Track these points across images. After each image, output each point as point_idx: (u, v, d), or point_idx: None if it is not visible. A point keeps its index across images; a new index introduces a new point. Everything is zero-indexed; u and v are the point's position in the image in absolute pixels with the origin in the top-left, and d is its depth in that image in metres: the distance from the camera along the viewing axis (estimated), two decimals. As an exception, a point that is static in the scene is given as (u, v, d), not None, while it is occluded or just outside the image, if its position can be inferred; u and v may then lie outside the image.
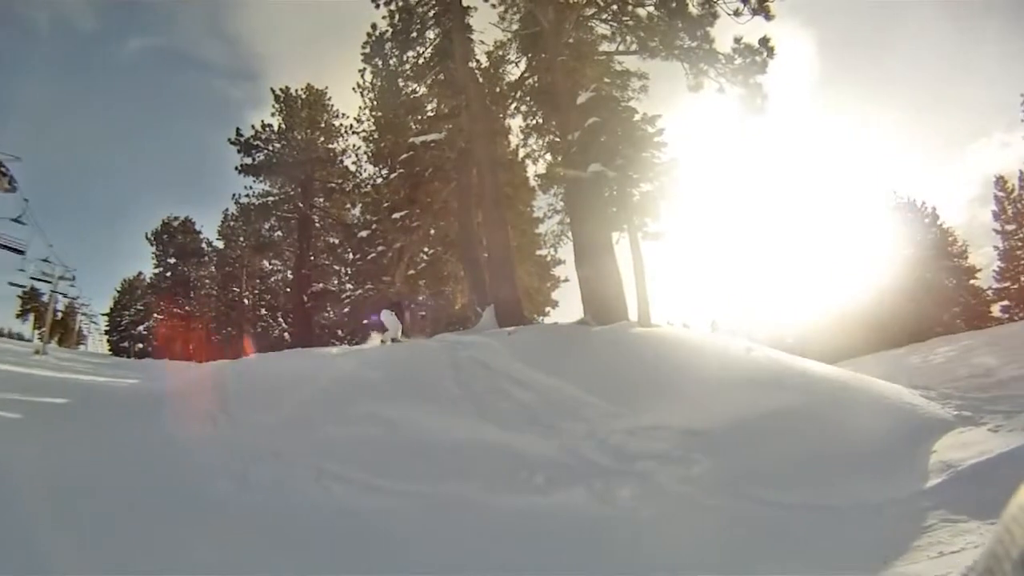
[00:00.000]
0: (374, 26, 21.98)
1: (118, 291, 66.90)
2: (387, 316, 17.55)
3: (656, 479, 6.64)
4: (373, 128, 33.04)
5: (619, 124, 16.51)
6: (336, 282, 45.90)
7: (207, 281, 58.67)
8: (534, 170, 27.21)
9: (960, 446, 6.71)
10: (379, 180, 33.66)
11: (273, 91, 44.59)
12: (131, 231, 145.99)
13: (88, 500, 5.99)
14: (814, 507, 5.67)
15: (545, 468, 7.10)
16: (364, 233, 32.45)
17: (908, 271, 38.44)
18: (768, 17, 17.13)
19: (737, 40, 17.56)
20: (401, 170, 24.60)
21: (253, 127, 43.08)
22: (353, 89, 29.23)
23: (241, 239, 49.54)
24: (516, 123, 25.41)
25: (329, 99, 45.57)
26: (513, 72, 24.12)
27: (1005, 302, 41.37)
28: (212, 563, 4.90)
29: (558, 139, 21.20)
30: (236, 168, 42.39)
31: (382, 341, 16.99)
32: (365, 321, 19.57)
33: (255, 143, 42.66)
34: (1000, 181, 42.48)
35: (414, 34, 21.97)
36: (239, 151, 42.26)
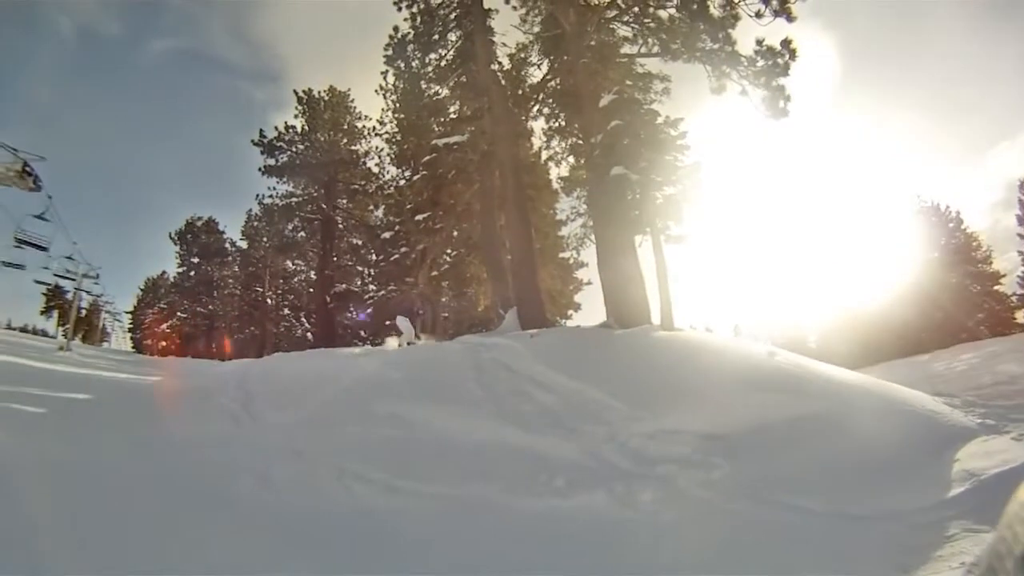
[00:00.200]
0: (396, 28, 22.13)
1: (142, 289, 67.92)
2: (402, 321, 18.89)
3: (677, 483, 6.63)
4: (396, 130, 33.08)
5: (642, 127, 16.47)
6: (359, 283, 46.09)
7: (230, 281, 59.13)
8: (557, 172, 27.24)
9: (984, 455, 6.65)
10: (402, 182, 33.69)
11: (296, 93, 44.99)
12: (155, 231, 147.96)
13: (109, 497, 6.04)
14: (835, 514, 5.63)
15: (566, 471, 7.11)
16: (387, 234, 32.59)
17: (932, 276, 38.00)
18: (790, 19, 17.02)
19: (759, 42, 17.45)
20: (424, 172, 24.66)
21: (276, 129, 43.60)
22: (376, 91, 29.36)
23: (264, 239, 49.91)
24: (539, 125, 25.46)
25: (352, 101, 45.87)
26: (535, 74, 24.17)
27: (1030, 308, 40.59)
28: (233, 561, 4.94)
29: (581, 141, 21.16)
30: (259, 169, 42.84)
31: (399, 344, 17.47)
32: (388, 322, 20.09)
33: (278, 144, 43.03)
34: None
35: (436, 36, 22.05)
36: (262, 152, 42.66)
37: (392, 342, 18.68)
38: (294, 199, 44.49)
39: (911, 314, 36.59)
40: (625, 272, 17.03)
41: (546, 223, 29.70)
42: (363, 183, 43.77)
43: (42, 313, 64.73)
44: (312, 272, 50.29)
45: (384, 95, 29.54)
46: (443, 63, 22.87)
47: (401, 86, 27.07)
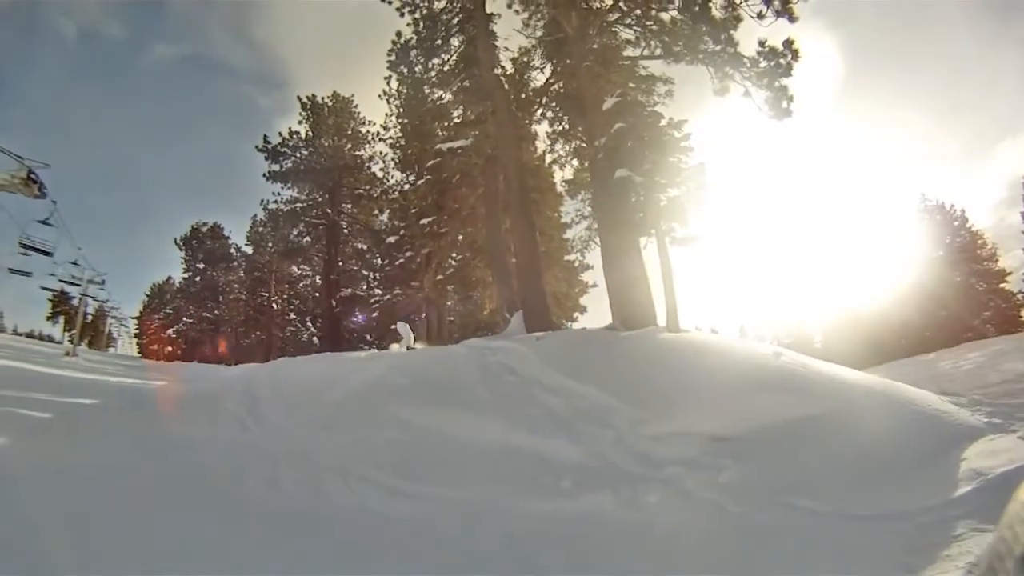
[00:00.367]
0: (399, 34, 22.22)
1: (147, 295, 68.26)
2: (402, 327, 19.20)
3: (683, 485, 6.63)
4: (400, 135, 33.20)
5: (645, 129, 16.49)
6: (365, 287, 46.13)
7: (236, 286, 59.38)
8: (561, 175, 27.25)
9: (990, 454, 6.63)
10: (406, 186, 33.75)
11: (300, 99, 45.15)
12: (160, 236, 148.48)
13: (116, 500, 6.07)
14: (841, 515, 5.62)
15: (572, 473, 7.12)
16: (392, 239, 32.68)
17: (937, 275, 37.99)
18: (792, 19, 17.01)
19: (761, 43, 17.45)
20: (428, 176, 24.80)
21: (280, 134, 43.79)
22: (379, 96, 29.57)
23: (270, 244, 50.05)
24: (542, 129, 25.49)
25: (355, 106, 46.00)
26: (538, 78, 24.17)
27: (1036, 306, 40.45)
28: (240, 562, 4.97)
29: (584, 144, 21.18)
30: (264, 175, 43.01)
31: (398, 349, 17.80)
32: (393, 326, 20.40)
33: (283, 150, 43.18)
34: (1028, 183, 41.68)
35: (439, 41, 22.14)
36: (267, 158, 42.84)
37: (395, 347, 18.89)
38: (299, 204, 44.57)
39: (916, 313, 36.61)
40: (630, 274, 17.03)
41: (551, 226, 29.76)
42: (368, 188, 43.83)
43: (48, 319, 65.24)
44: (317, 277, 50.47)
45: (388, 100, 29.75)
46: (446, 68, 22.96)
47: (405, 91, 27.30)
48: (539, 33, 22.45)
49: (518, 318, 18.21)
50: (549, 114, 24.33)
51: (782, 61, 17.29)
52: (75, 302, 41.07)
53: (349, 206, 45.58)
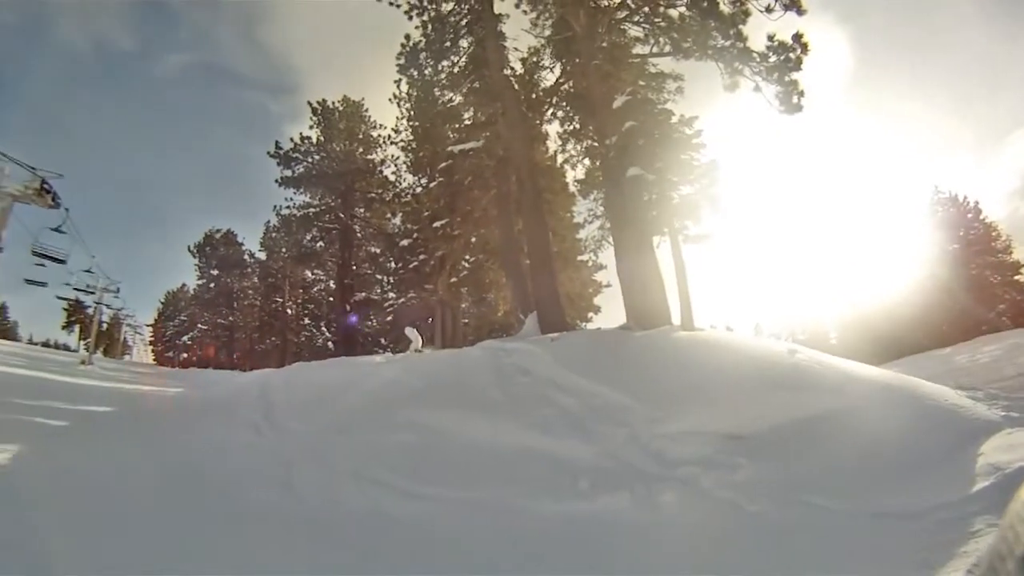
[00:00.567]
0: (408, 37, 22.23)
1: (162, 302, 68.91)
2: (410, 331, 19.44)
3: (699, 484, 6.60)
4: (411, 138, 33.24)
5: (656, 127, 16.49)
6: (379, 291, 46.25)
7: (250, 292, 59.71)
8: (573, 175, 27.20)
9: (1008, 448, 6.54)
10: (419, 189, 33.87)
11: (310, 104, 45.27)
12: (174, 244, 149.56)
13: (132, 506, 6.11)
14: (858, 512, 5.57)
15: (588, 474, 7.09)
16: (405, 242, 32.74)
17: (951, 268, 37.71)
18: (800, 12, 16.93)
19: (771, 37, 17.36)
20: (440, 179, 24.87)
21: (292, 140, 43.87)
22: (390, 99, 29.67)
23: (283, 250, 50.20)
24: (553, 129, 25.55)
25: (366, 110, 46.10)
26: (548, 78, 24.21)
27: (1052, 298, 40.07)
28: (256, 564, 4.99)
29: (596, 144, 21.11)
30: (276, 180, 43.14)
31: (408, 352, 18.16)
32: (408, 329, 20.60)
33: (294, 155, 43.32)
34: (1041, 173, 41.42)
35: (448, 43, 22.13)
36: (279, 164, 42.99)
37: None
38: (312, 209, 44.73)
39: (931, 307, 36.39)
40: (644, 273, 16.97)
41: (564, 226, 29.75)
42: (380, 191, 43.89)
43: (64, 328, 65.80)
44: (331, 281, 50.64)
45: (398, 103, 29.83)
46: (456, 70, 22.96)
47: (415, 94, 27.35)
48: (547, 32, 22.43)
49: (532, 319, 18.22)
50: (560, 114, 24.36)
51: (792, 55, 17.20)
52: (90, 311, 41.43)
53: (362, 210, 45.69)
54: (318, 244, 47.06)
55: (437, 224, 25.43)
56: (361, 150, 45.48)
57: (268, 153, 43.25)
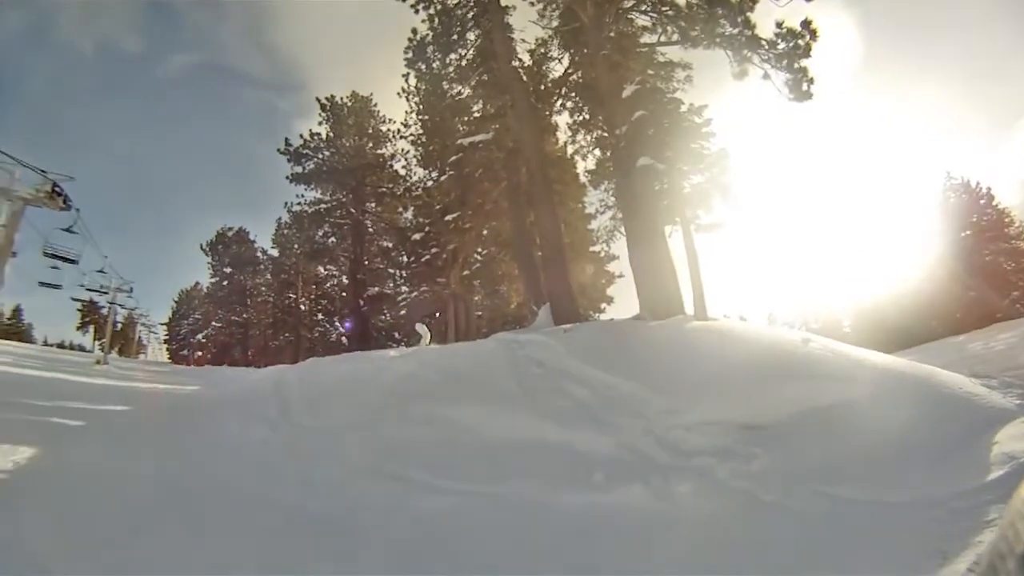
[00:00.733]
0: (415, 31, 22.25)
1: (176, 301, 69.08)
2: (420, 327, 20.30)
3: (714, 474, 6.60)
4: (421, 131, 33.21)
5: (666, 116, 16.45)
6: (391, 285, 46.27)
7: (263, 288, 59.84)
8: (583, 166, 27.22)
9: (1022, 436, 6.52)
10: (429, 183, 33.87)
11: (319, 100, 45.31)
12: (186, 242, 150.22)
13: (150, 505, 6.14)
14: (874, 502, 5.55)
15: (603, 465, 7.10)
16: (417, 236, 32.72)
17: (965, 255, 37.41)
18: (808, -2, 16.87)
19: (779, 24, 17.28)
20: (451, 172, 24.81)
21: (301, 136, 44.00)
22: (398, 94, 29.65)
23: (295, 246, 50.29)
24: (563, 120, 25.52)
25: (375, 105, 46.05)
26: (556, 69, 24.18)
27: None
28: (276, 565, 5.01)
29: (606, 134, 21.09)
30: (287, 177, 43.25)
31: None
32: (418, 324, 20.86)
33: (304, 152, 43.41)
34: (1054, 157, 41.05)
35: (455, 36, 22.12)
36: (289, 160, 43.10)
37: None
38: (323, 205, 44.76)
39: (944, 295, 36.15)
40: (656, 263, 16.94)
41: (575, 217, 29.71)
42: (391, 186, 43.92)
43: (78, 329, 66.35)
44: (344, 276, 50.66)
45: (407, 97, 29.83)
46: (463, 63, 22.95)
47: (423, 88, 27.34)
48: (555, 23, 22.40)
49: (545, 311, 18.24)
50: (569, 104, 24.36)
51: (800, 42, 17.11)
52: (104, 311, 41.66)
53: (373, 205, 45.74)
54: (330, 240, 47.14)
55: (448, 217, 25.40)
56: (371, 145, 45.50)
57: (278, 150, 43.48)
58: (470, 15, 21.91)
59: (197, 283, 67.70)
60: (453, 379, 10.35)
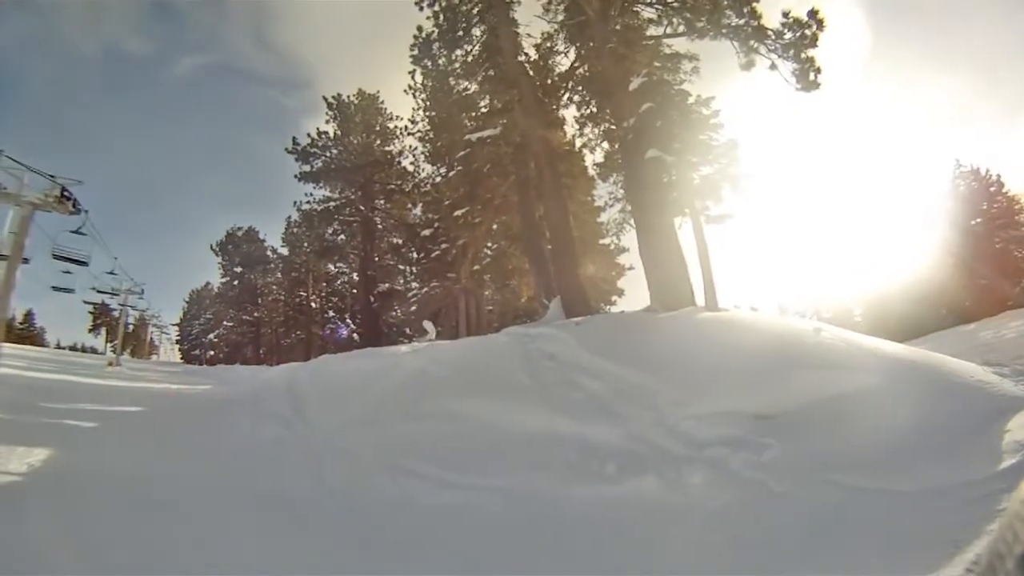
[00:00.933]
0: (420, 28, 22.25)
1: (187, 301, 69.27)
2: (427, 324, 21.51)
3: (727, 465, 6.61)
4: (428, 128, 33.09)
5: (673, 108, 16.38)
6: (402, 281, 46.26)
7: (274, 287, 59.96)
8: (592, 159, 27.06)
9: (1034, 425, 6.49)
10: (438, 179, 33.78)
11: (326, 99, 45.23)
12: (196, 243, 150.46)
13: (168, 502, 6.21)
14: (886, 491, 5.53)
15: (616, 457, 7.13)
16: (427, 232, 32.73)
17: (975, 243, 37.18)
18: (813, -14, 16.81)
19: (785, 14, 17.22)
20: (459, 168, 24.79)
21: (309, 135, 43.94)
22: (405, 91, 29.55)
23: (305, 244, 50.37)
24: (570, 113, 25.38)
25: (382, 102, 45.92)
26: (563, 63, 24.04)
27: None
28: (292, 559, 5.06)
29: (613, 127, 21.04)
30: (295, 176, 43.28)
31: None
32: (425, 322, 21.11)
33: (312, 150, 43.40)
34: (1064, 144, 40.72)
35: (460, 33, 22.07)
36: (297, 159, 43.10)
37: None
38: (332, 203, 44.76)
39: (955, 283, 35.93)
40: (666, 255, 16.90)
41: (584, 210, 29.66)
42: (399, 183, 43.88)
43: (90, 331, 66.60)
44: (354, 274, 50.66)
45: (414, 94, 29.72)
46: (470, 58, 22.90)
47: (430, 84, 27.28)
48: (560, 17, 22.31)
49: (556, 304, 18.23)
50: (576, 98, 24.25)
51: (807, 32, 17.04)
52: (116, 313, 41.82)
53: (382, 202, 45.72)
54: (340, 237, 47.15)
55: (458, 213, 25.37)
56: (378, 142, 45.45)
57: (286, 149, 43.47)
58: (475, 11, 21.89)
59: (208, 283, 67.99)
60: (464, 374, 10.39)
